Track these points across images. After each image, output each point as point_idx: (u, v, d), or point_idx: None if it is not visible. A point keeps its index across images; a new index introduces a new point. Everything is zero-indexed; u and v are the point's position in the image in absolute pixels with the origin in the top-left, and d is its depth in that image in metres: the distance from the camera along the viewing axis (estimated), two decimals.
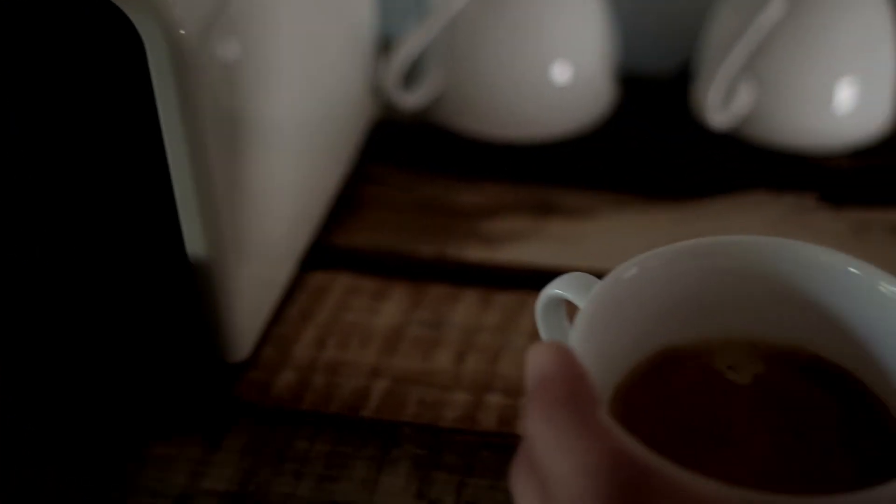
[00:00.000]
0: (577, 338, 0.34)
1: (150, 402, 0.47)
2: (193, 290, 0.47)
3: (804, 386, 0.38)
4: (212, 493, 0.44)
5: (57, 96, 0.43)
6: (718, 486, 0.29)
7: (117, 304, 0.48)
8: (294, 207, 0.54)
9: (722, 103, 0.64)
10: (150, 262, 0.46)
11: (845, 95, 0.64)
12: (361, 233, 0.59)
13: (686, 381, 0.38)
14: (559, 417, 0.28)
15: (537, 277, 0.43)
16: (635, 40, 0.73)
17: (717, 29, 0.66)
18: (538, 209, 0.61)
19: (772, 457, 0.36)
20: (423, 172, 0.65)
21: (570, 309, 0.38)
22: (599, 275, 0.37)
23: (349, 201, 0.61)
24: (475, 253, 0.57)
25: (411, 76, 0.67)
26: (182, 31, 0.39)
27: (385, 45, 0.67)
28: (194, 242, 0.46)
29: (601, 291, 0.36)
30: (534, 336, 0.45)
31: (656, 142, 0.67)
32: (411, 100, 0.65)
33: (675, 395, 0.38)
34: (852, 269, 0.37)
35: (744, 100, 0.64)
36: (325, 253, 0.57)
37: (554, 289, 0.39)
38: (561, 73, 0.65)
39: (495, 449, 0.45)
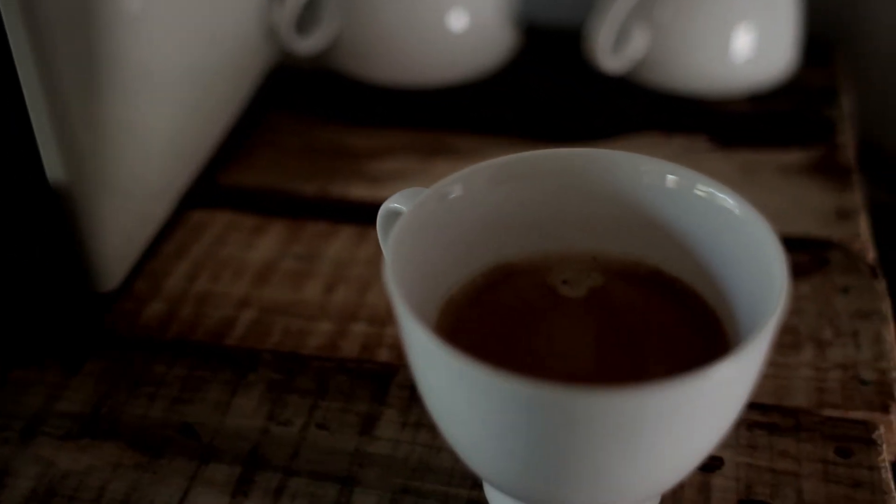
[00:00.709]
0: (389, 252, 0.34)
1: (13, 328, 0.47)
2: (57, 218, 0.47)
3: (641, 298, 0.39)
4: (65, 414, 0.44)
5: None
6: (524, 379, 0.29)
7: None
8: (173, 146, 0.54)
9: (614, 47, 0.64)
10: (9, 187, 0.46)
11: (742, 41, 0.64)
12: (248, 173, 0.59)
13: (518, 295, 0.39)
14: None
15: None
16: None
17: None
18: (426, 151, 0.61)
19: (596, 363, 0.36)
20: (318, 117, 0.65)
21: None
22: None
23: (240, 143, 0.62)
24: (358, 191, 0.57)
25: (308, 21, 0.67)
26: None
27: None
28: (54, 170, 0.46)
29: (419, 206, 0.36)
30: None
31: (552, 88, 0.67)
32: (306, 44, 0.65)
33: (505, 308, 0.38)
34: (670, 176, 0.37)
35: (638, 44, 0.64)
36: (208, 191, 0.58)
37: (391, 203, 0.39)
38: (457, 19, 0.65)
39: (351, 374, 0.45)
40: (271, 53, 0.65)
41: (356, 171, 0.59)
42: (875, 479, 0.40)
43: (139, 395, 0.45)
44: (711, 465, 0.41)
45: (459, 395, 0.32)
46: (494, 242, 0.39)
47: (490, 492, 0.39)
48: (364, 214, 0.55)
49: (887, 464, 0.41)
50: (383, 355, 0.46)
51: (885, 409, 0.43)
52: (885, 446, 0.42)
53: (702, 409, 0.31)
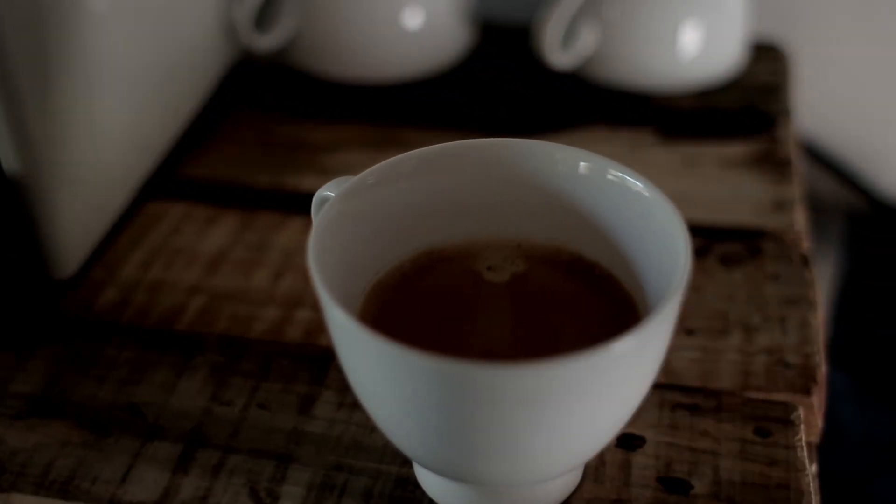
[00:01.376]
0: (313, 237, 0.36)
1: None
2: (13, 207, 0.48)
3: (561, 283, 0.40)
4: (17, 395, 0.45)
5: None
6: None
7: None
8: (131, 139, 0.56)
9: (562, 43, 0.65)
10: None
11: (690, 38, 0.66)
12: (205, 166, 0.61)
13: (443, 281, 0.40)
14: None
15: None
16: None
17: None
18: (379, 145, 0.63)
19: (513, 344, 0.38)
20: (277, 112, 0.67)
21: None
22: None
23: (198, 137, 0.63)
24: (309, 183, 0.59)
25: (267, 19, 0.68)
26: None
27: None
28: (9, 160, 0.47)
29: (344, 193, 0.38)
30: None
31: (505, 83, 0.69)
32: (265, 41, 0.67)
33: (430, 293, 0.40)
34: (583, 163, 0.39)
35: (587, 41, 0.66)
36: (165, 183, 0.59)
37: (324, 190, 0.41)
38: (412, 17, 0.67)
39: (293, 357, 0.47)
40: (231, 50, 0.67)
41: (309, 164, 0.61)
42: (791, 457, 0.42)
43: (89, 377, 0.46)
44: (633, 443, 0.42)
45: (375, 372, 0.33)
46: (422, 229, 0.41)
47: (419, 470, 0.41)
48: None
49: (803, 443, 0.43)
50: (325, 340, 0.48)
51: (807, 392, 0.45)
52: (802, 426, 0.43)
53: (606, 383, 0.33)
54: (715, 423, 0.43)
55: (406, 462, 0.41)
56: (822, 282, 0.85)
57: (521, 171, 0.40)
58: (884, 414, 0.81)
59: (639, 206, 0.38)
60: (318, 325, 0.49)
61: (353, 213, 0.38)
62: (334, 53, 0.68)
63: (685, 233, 0.35)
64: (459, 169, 0.40)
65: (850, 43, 0.79)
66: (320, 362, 0.46)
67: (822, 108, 0.80)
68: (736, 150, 0.62)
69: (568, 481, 0.40)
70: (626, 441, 0.42)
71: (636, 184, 0.38)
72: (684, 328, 0.48)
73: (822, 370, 0.46)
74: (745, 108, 0.66)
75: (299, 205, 0.57)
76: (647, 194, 0.38)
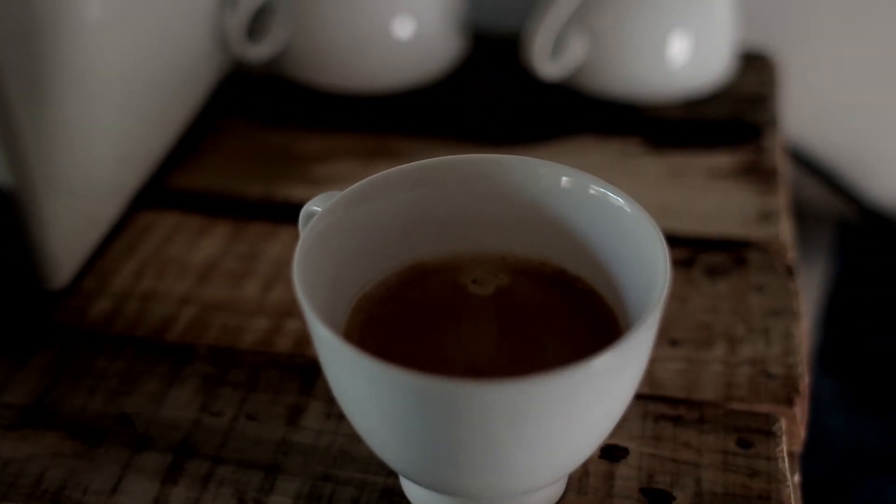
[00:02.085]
0: (298, 252, 0.36)
1: None
2: (5, 218, 0.49)
3: (544, 297, 0.41)
4: (9, 405, 0.46)
5: None
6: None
7: None
8: (123, 149, 0.57)
9: (551, 54, 0.66)
10: None
11: (678, 48, 0.66)
12: (196, 176, 0.62)
13: (429, 294, 0.41)
14: None
15: None
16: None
17: None
18: (369, 155, 0.63)
19: (497, 358, 0.38)
20: (268, 123, 0.67)
21: None
22: None
23: (190, 147, 0.64)
24: (300, 193, 0.59)
25: (259, 29, 0.69)
26: None
27: None
28: (0, 170, 0.48)
29: (330, 208, 0.39)
30: None
31: (494, 94, 0.69)
32: (256, 52, 0.67)
33: (416, 306, 0.40)
34: (565, 178, 0.39)
35: (576, 51, 0.67)
36: (157, 193, 0.60)
37: (311, 205, 0.41)
38: (403, 27, 0.68)
39: (282, 368, 0.47)
40: (223, 60, 0.68)
41: (300, 174, 0.61)
42: (772, 468, 0.42)
43: (81, 387, 0.47)
44: (616, 454, 0.43)
45: (358, 387, 0.34)
46: (407, 243, 0.41)
47: (405, 481, 0.42)
48: None
49: (785, 454, 0.43)
50: (313, 350, 0.48)
51: (790, 403, 0.46)
52: (784, 437, 0.44)
53: (587, 399, 0.34)
54: (698, 435, 0.44)
55: (392, 473, 0.42)
56: (811, 289, 0.86)
57: (504, 186, 0.41)
58: (872, 421, 0.81)
59: (620, 221, 0.38)
60: (308, 336, 0.49)
61: (338, 228, 0.39)
62: (326, 63, 0.68)
63: (665, 249, 0.36)
64: (444, 184, 0.41)
65: (839, 50, 0.79)
66: (309, 373, 0.47)
67: (811, 115, 0.80)
68: (723, 160, 0.63)
69: (551, 492, 0.41)
70: (610, 452, 0.43)
71: (617, 199, 0.38)
72: (669, 339, 0.48)
73: (805, 381, 0.47)
74: (732, 119, 0.67)
75: (290, 215, 0.57)
76: (628, 210, 0.38)
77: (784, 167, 0.63)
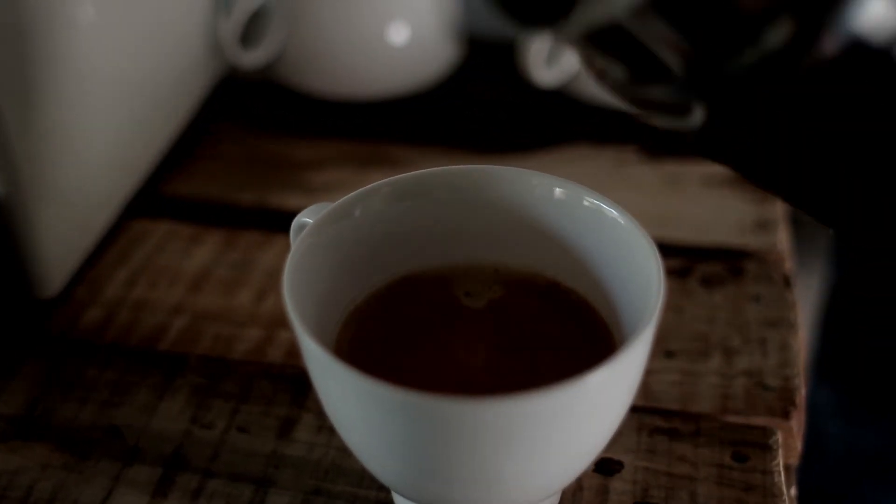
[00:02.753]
0: (288, 266, 0.36)
1: None
2: None
3: (537, 309, 0.41)
4: (0, 416, 0.46)
5: None
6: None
7: None
8: (115, 157, 0.56)
9: (547, 61, 0.66)
10: None
11: None
12: (189, 183, 0.61)
13: (422, 306, 0.41)
14: None
15: None
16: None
17: None
18: (363, 162, 0.63)
19: (489, 371, 0.38)
20: (262, 129, 0.67)
21: None
22: None
23: (183, 154, 0.63)
24: (293, 201, 0.59)
25: (253, 35, 0.68)
26: None
27: (225, 3, 0.69)
28: None
29: (321, 221, 0.38)
30: None
31: (490, 100, 0.69)
32: (251, 58, 0.67)
33: (408, 318, 0.40)
34: (559, 189, 0.39)
35: (571, 58, 0.66)
36: (150, 201, 0.59)
37: (302, 217, 0.41)
38: (398, 33, 0.67)
39: (273, 379, 0.47)
40: (217, 66, 0.67)
41: (294, 182, 0.61)
42: (767, 482, 0.42)
43: (71, 399, 0.47)
44: (611, 468, 0.43)
45: (348, 402, 0.34)
46: (400, 255, 0.41)
47: (396, 496, 0.41)
48: None
49: (781, 468, 0.43)
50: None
51: (786, 415, 0.45)
52: (780, 451, 0.44)
53: (580, 415, 0.33)
54: (693, 448, 0.43)
55: (384, 487, 0.42)
56: (809, 294, 0.86)
57: (497, 198, 0.40)
58: (868, 428, 0.81)
59: (614, 233, 0.38)
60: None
61: (329, 240, 0.39)
62: (320, 70, 0.68)
63: (659, 264, 0.35)
64: (436, 195, 0.40)
65: None
66: (301, 384, 0.46)
67: None
68: (719, 168, 0.62)
69: None
70: (604, 466, 0.43)
71: (611, 211, 0.38)
72: (664, 350, 0.48)
73: (802, 393, 0.47)
74: None
75: (283, 223, 0.57)
76: (622, 222, 0.38)
77: None
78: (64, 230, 0.52)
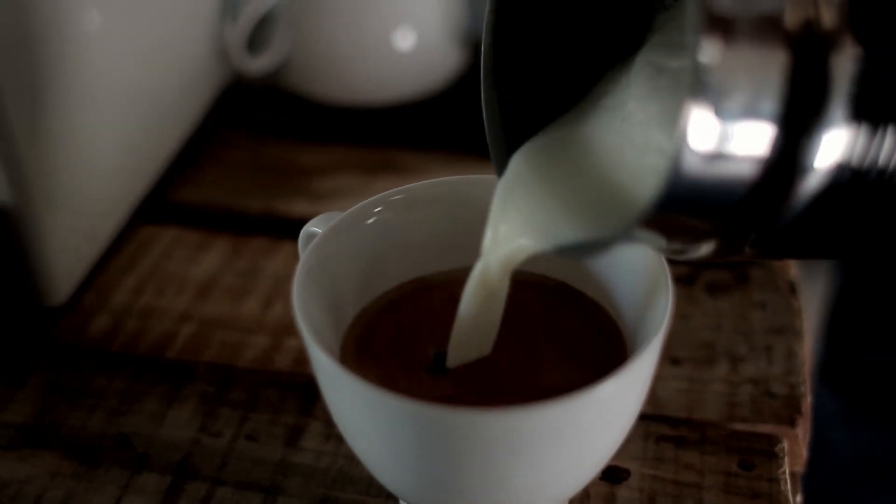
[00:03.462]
0: (298, 276, 0.36)
1: None
2: (3, 234, 0.49)
3: (547, 310, 0.41)
4: (9, 424, 0.46)
5: None
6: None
7: None
8: (123, 164, 0.56)
9: None
10: None
11: None
12: (197, 189, 0.62)
13: (429, 308, 0.41)
14: None
15: None
16: None
17: None
18: (370, 168, 0.63)
19: (498, 373, 0.38)
20: (269, 135, 0.67)
21: None
22: None
23: (190, 161, 0.64)
24: (300, 208, 0.59)
25: (261, 41, 0.69)
26: None
27: (232, 10, 0.69)
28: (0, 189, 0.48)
29: (330, 230, 0.38)
30: None
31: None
32: (256, 64, 0.67)
33: (415, 319, 0.40)
34: None
35: None
36: (158, 208, 0.60)
37: (311, 226, 0.41)
38: (404, 39, 0.67)
39: (282, 387, 0.47)
40: (223, 73, 0.67)
41: (301, 189, 0.61)
42: (774, 490, 0.42)
43: (80, 407, 0.47)
44: (618, 476, 0.43)
45: (357, 413, 0.34)
46: (408, 262, 0.41)
47: (404, 503, 0.41)
48: None
49: (787, 475, 0.43)
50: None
51: (792, 423, 0.45)
52: (786, 459, 0.44)
53: (588, 426, 0.34)
54: (699, 456, 0.44)
55: (392, 495, 0.42)
56: (813, 301, 0.86)
57: None
58: (874, 433, 0.81)
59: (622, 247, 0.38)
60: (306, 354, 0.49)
61: (338, 250, 0.39)
62: (327, 76, 0.68)
63: (667, 275, 0.35)
64: (443, 204, 0.41)
65: None
66: (309, 392, 0.47)
67: None
68: None
69: None
70: (611, 474, 0.43)
71: None
72: (670, 358, 0.48)
73: (808, 400, 0.47)
74: None
75: (290, 230, 0.57)
76: None
77: None
78: (71, 237, 0.52)
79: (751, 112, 0.26)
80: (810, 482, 0.50)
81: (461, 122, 0.66)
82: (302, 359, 0.49)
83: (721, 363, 0.48)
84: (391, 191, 0.40)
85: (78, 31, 0.50)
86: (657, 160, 0.31)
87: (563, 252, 0.33)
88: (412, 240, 0.41)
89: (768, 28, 0.26)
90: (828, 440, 0.80)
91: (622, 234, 0.29)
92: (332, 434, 0.44)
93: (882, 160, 0.28)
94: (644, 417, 0.45)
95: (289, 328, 0.51)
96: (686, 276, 0.53)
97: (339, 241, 0.38)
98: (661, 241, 0.31)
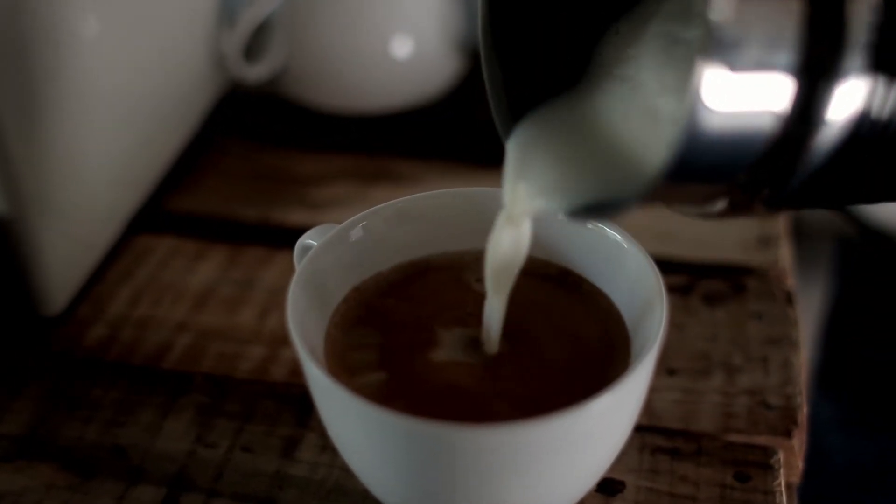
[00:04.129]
0: (291, 291, 0.37)
1: None
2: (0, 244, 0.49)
3: (549, 295, 0.40)
4: (4, 436, 0.46)
5: None
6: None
7: None
8: (120, 173, 0.56)
9: None
10: None
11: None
12: (193, 198, 0.62)
13: (430, 289, 0.40)
14: None
15: None
16: None
17: None
18: (367, 177, 0.63)
19: (498, 363, 0.38)
20: (265, 143, 0.67)
21: None
22: None
23: (187, 169, 0.64)
24: (296, 217, 0.59)
25: (258, 49, 0.69)
26: None
27: (229, 18, 0.69)
28: None
29: (324, 245, 0.39)
30: None
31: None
32: (253, 72, 0.67)
33: (416, 299, 0.40)
34: None
35: None
36: (154, 217, 0.60)
37: (306, 238, 0.41)
38: (401, 47, 0.67)
39: (278, 398, 0.47)
40: (220, 81, 0.67)
41: (296, 198, 0.61)
42: (769, 502, 0.42)
43: (76, 418, 0.47)
44: (613, 488, 0.43)
45: (351, 427, 0.34)
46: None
47: None
48: None
49: (782, 488, 0.43)
50: None
51: (788, 434, 0.45)
52: (781, 471, 0.44)
53: (584, 439, 0.34)
54: (695, 468, 0.44)
55: None
56: (811, 308, 0.86)
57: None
58: (870, 441, 0.81)
59: (619, 256, 0.39)
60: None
61: (333, 262, 0.39)
62: (324, 83, 0.68)
63: (662, 288, 0.36)
64: (439, 216, 0.41)
65: None
66: (304, 403, 0.47)
67: None
68: None
69: None
70: (607, 486, 0.43)
71: (615, 235, 0.38)
72: (666, 368, 0.48)
73: (804, 411, 0.47)
74: None
75: (286, 240, 0.57)
76: (625, 246, 0.38)
77: None
78: (68, 247, 0.52)
79: (766, 65, 0.26)
80: (805, 490, 0.50)
81: (458, 131, 0.66)
82: (298, 370, 0.49)
83: (717, 374, 0.48)
84: (386, 203, 0.40)
85: (74, 38, 0.50)
86: (671, 127, 0.31)
87: (577, 214, 0.33)
88: (407, 253, 0.40)
89: None
90: (823, 447, 0.80)
91: (638, 197, 0.29)
92: (327, 445, 0.44)
93: None
94: (639, 429, 0.45)
95: (285, 339, 0.51)
96: (682, 286, 0.53)
97: (334, 253, 0.38)
98: (676, 202, 0.30)
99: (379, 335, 0.39)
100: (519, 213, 0.35)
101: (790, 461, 0.45)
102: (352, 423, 0.33)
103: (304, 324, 0.35)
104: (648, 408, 0.46)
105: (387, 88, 0.68)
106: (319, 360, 0.34)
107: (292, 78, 0.68)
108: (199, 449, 0.45)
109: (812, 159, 0.28)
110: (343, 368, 0.38)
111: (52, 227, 0.50)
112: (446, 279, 0.41)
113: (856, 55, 0.26)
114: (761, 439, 0.45)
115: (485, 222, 0.40)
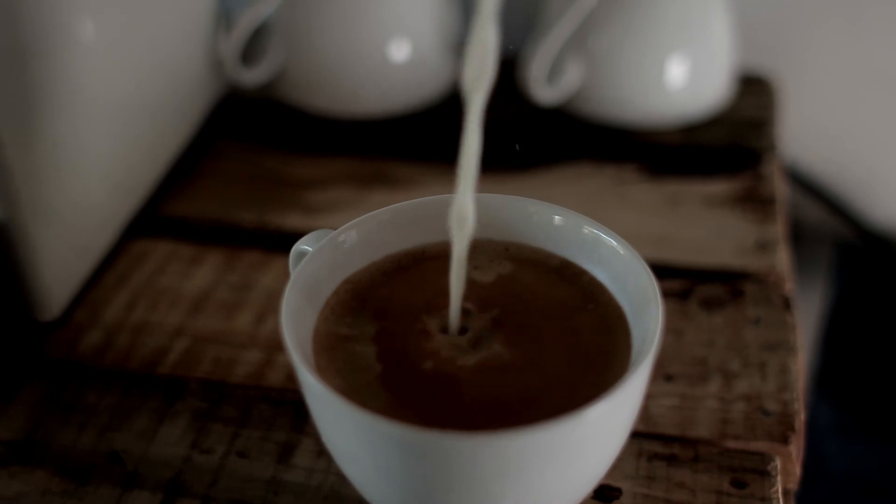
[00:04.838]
0: (285, 299, 0.36)
1: None
2: None
3: (548, 286, 0.40)
4: None
5: None
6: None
7: None
8: (114, 177, 0.56)
9: (547, 79, 0.66)
10: None
11: (676, 73, 0.66)
12: (189, 203, 0.61)
13: (425, 277, 0.40)
14: None
15: None
16: None
17: (547, 5, 0.68)
18: (364, 180, 0.63)
19: (490, 353, 0.37)
20: (263, 147, 0.67)
21: None
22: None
23: (185, 173, 0.63)
24: (294, 221, 0.59)
25: (255, 52, 0.68)
26: None
27: (226, 21, 0.69)
28: None
29: (318, 251, 0.38)
30: None
31: (490, 118, 0.69)
32: (251, 76, 0.67)
33: (412, 286, 0.40)
34: (558, 217, 0.40)
35: (572, 76, 0.66)
36: (151, 221, 0.59)
37: (301, 244, 0.41)
38: (398, 50, 0.67)
39: (273, 403, 0.47)
40: (217, 84, 0.67)
41: (294, 202, 0.61)
42: None
43: (71, 423, 0.47)
44: (610, 495, 0.43)
45: (345, 435, 0.34)
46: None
47: None
48: None
49: (779, 495, 0.43)
50: None
51: (785, 440, 0.45)
52: (778, 477, 0.43)
53: (579, 447, 0.33)
54: (692, 475, 0.43)
55: None
56: (810, 313, 0.86)
57: (495, 223, 0.40)
58: (869, 448, 0.81)
59: (615, 260, 0.38)
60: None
61: (328, 268, 0.39)
62: (321, 87, 0.68)
63: (657, 295, 0.35)
64: (435, 221, 0.40)
65: (838, 71, 0.79)
66: (300, 408, 0.46)
67: (810, 136, 0.80)
68: (720, 187, 0.62)
69: None
70: (603, 493, 0.43)
71: (610, 241, 0.38)
72: (663, 374, 0.48)
73: (801, 417, 0.47)
74: (730, 144, 0.67)
75: (283, 244, 0.57)
76: (621, 252, 0.38)
77: (782, 194, 0.63)
78: (64, 252, 0.52)
79: None
80: (803, 496, 0.50)
81: (456, 134, 0.66)
82: (294, 374, 0.49)
83: (714, 379, 0.48)
84: (381, 209, 0.40)
85: (71, 42, 0.50)
86: None
87: None
88: (404, 257, 0.40)
89: None
90: (821, 453, 0.80)
91: None
92: (323, 451, 0.44)
93: None
94: (636, 435, 0.45)
95: (280, 344, 0.50)
96: (680, 291, 0.53)
97: (329, 259, 0.38)
98: None
99: (370, 329, 0.39)
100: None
101: (788, 468, 0.45)
102: (346, 430, 0.33)
103: (298, 331, 0.35)
104: (645, 414, 0.46)
105: (384, 92, 0.68)
106: (309, 359, 0.34)
107: (289, 81, 0.68)
108: (194, 454, 0.45)
109: None
110: (334, 370, 0.37)
111: (48, 232, 0.50)
112: (442, 267, 0.40)
113: None
114: (759, 445, 0.45)
115: (480, 226, 0.40)
